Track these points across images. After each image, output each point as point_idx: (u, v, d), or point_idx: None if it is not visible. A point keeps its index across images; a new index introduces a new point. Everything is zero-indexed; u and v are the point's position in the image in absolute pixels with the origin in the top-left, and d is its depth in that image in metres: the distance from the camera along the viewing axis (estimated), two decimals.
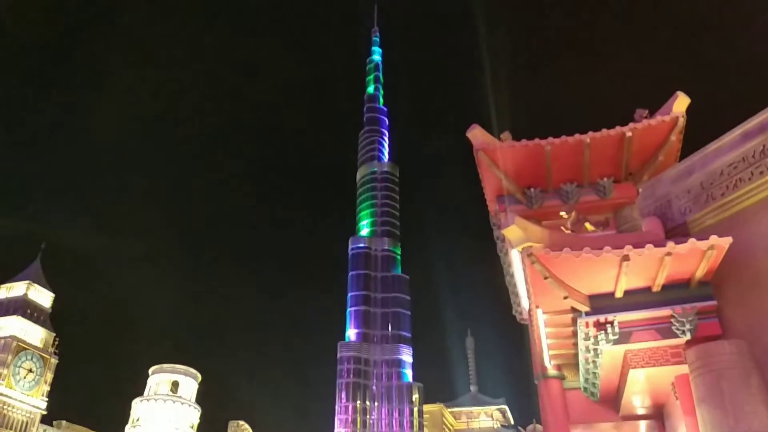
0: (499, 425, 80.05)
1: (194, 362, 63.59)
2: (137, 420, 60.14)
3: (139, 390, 63.12)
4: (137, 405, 61.77)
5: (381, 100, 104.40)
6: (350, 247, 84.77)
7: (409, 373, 75.83)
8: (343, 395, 71.56)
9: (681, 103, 14.00)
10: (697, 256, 9.57)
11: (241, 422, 66.53)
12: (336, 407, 71.46)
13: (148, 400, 61.60)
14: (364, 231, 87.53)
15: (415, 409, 71.09)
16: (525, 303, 15.43)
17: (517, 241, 10.10)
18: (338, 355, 74.69)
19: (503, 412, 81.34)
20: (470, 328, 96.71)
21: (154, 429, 59.13)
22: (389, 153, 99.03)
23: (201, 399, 64.14)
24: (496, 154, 14.44)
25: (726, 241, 9.36)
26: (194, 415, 62.77)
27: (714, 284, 10.07)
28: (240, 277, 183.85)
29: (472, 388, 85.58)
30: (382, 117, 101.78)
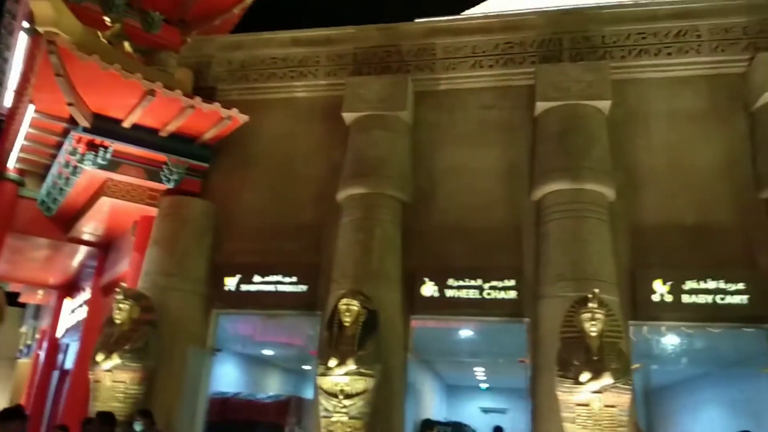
0: None
1: None
2: None
3: None
4: None
5: None
6: None
7: None
8: None
9: None
10: (213, 120, 10.18)
11: None
12: None
13: None
14: None
15: None
16: (11, 93, 13.36)
17: (46, 20, 8.62)
18: None
19: None
20: None
21: None
22: None
23: None
24: None
25: (244, 118, 10.26)
26: None
27: (213, 151, 10.94)
28: None
29: None
30: None
